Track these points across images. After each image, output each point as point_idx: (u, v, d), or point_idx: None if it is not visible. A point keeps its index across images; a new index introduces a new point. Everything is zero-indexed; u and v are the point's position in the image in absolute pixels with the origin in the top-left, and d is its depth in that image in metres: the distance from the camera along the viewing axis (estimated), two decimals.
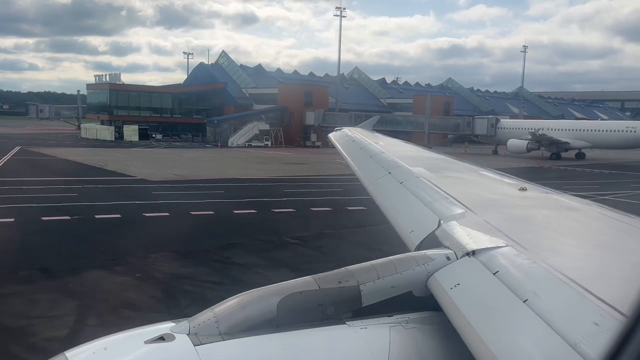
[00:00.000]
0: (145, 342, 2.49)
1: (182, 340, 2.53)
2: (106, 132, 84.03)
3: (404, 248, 4.22)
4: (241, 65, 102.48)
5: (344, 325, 2.86)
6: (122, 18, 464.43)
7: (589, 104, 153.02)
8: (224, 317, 2.66)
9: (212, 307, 2.74)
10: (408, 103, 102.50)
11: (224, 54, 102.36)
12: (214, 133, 79.87)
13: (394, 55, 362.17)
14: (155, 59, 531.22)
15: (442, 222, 4.13)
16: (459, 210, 4.39)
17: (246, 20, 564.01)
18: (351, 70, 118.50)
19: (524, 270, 2.99)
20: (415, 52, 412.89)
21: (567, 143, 64.80)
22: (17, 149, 54.75)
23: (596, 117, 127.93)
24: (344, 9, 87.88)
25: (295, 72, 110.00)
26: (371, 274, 3.05)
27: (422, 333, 2.94)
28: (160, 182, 32.68)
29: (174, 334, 2.56)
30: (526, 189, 5.51)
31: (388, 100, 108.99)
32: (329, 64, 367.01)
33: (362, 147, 9.46)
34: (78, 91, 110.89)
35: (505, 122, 76.47)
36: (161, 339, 2.52)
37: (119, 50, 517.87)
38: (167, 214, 22.53)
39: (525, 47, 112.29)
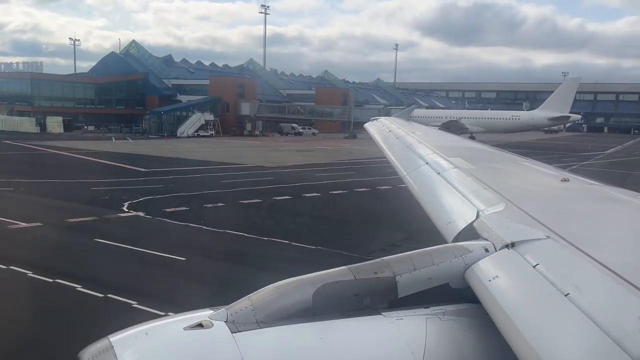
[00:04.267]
0: (184, 329, 2.58)
1: (220, 328, 2.61)
2: (28, 124, 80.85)
3: (441, 239, 4.25)
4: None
5: (380, 315, 2.87)
6: None
7: (427, 94, 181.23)
8: (261, 306, 2.73)
9: (249, 296, 2.82)
10: (308, 95, 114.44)
11: (134, 44, 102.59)
12: (160, 123, 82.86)
13: (215, 41, 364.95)
14: None
15: (480, 213, 4.14)
16: (498, 202, 4.34)
17: None
18: (246, 61, 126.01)
19: (565, 264, 2.96)
20: (238, 39, 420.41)
21: (467, 129, 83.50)
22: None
23: (435, 105, 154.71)
24: (268, 7, 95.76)
25: (199, 62, 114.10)
26: (407, 265, 3.07)
27: (459, 325, 2.94)
28: (284, 168, 40.39)
29: (212, 321, 2.64)
30: (568, 180, 5.41)
31: (287, 91, 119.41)
32: (146, 47, 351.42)
33: (399, 137, 9.55)
34: None
35: (416, 111, 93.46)
36: (200, 325, 2.61)
37: None
38: (390, 187, 31.93)
39: (396, 44, 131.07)
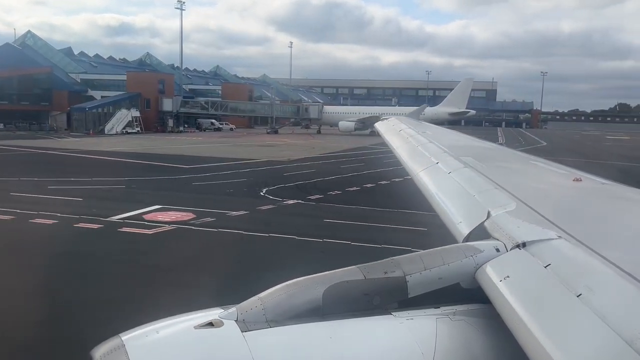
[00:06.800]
0: (195, 327, 2.60)
1: (230, 326, 2.63)
2: None
3: (451, 239, 4.29)
4: None
5: (390, 315, 2.88)
6: None
7: (307, 90, 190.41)
8: (271, 305, 2.74)
9: (258, 295, 2.85)
10: (211, 90, 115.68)
11: (30, 35, 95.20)
12: (84, 120, 79.62)
13: (54, 29, 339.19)
14: None
15: (491, 213, 4.12)
16: (509, 201, 4.33)
17: None
18: (143, 54, 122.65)
19: (577, 264, 2.93)
20: (80, 27, 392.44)
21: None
22: None
23: (315, 101, 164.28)
24: (184, 2, 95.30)
25: (97, 55, 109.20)
26: (418, 265, 3.08)
27: (469, 325, 2.93)
28: (300, 162, 44.24)
29: (223, 320, 2.66)
30: (581, 180, 5.40)
31: (189, 86, 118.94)
32: None
33: (409, 137, 9.74)
34: None
35: (327, 108, 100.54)
36: (210, 324, 2.63)
37: None
38: None
39: (291, 42, 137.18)
